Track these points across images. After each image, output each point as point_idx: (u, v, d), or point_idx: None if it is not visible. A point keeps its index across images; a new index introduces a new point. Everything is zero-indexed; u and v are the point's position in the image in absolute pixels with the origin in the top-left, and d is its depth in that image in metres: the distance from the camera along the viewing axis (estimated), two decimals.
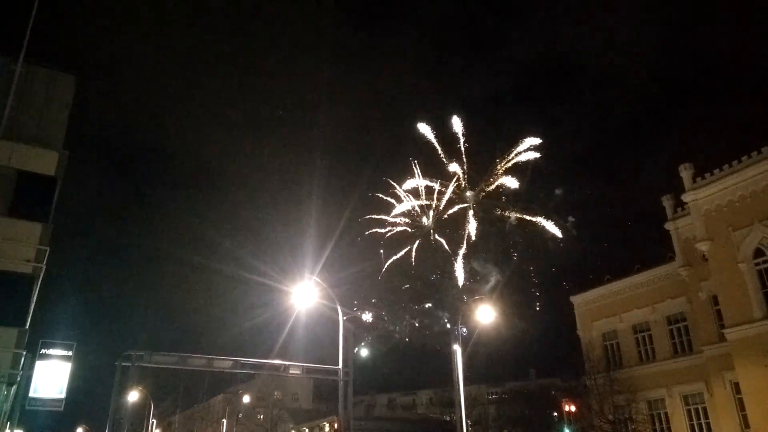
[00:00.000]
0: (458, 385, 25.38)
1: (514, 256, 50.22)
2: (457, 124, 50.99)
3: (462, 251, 49.36)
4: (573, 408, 47.06)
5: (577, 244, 48.67)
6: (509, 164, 49.60)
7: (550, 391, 67.93)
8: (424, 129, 51.22)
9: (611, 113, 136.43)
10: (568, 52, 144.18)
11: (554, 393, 65.10)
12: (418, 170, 51.12)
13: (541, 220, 48.56)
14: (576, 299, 40.45)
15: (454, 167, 50.93)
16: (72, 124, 24.13)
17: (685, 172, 31.07)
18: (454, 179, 50.50)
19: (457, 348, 25.61)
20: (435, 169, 51.84)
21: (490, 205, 50.41)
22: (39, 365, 22.09)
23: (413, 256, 51.17)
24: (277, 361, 27.93)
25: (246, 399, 73.46)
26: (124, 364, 21.98)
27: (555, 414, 60.05)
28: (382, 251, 51.69)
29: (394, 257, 51.17)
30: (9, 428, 22.73)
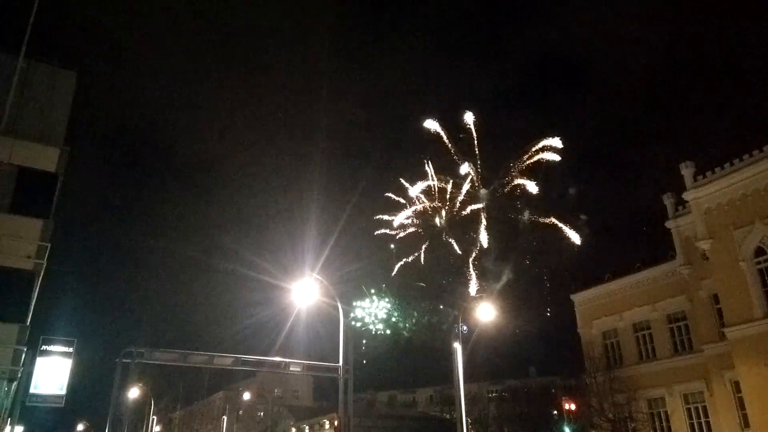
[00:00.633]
0: (458, 383, 25.34)
1: (527, 260, 49.86)
2: (469, 118, 50.27)
3: (473, 254, 49.16)
4: (573, 406, 47.01)
5: (579, 242, 48.38)
6: (525, 165, 49.19)
7: (550, 389, 67.90)
8: (432, 124, 50.73)
9: (613, 111, 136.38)
10: (569, 51, 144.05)
11: (554, 391, 65.08)
12: (431, 169, 50.71)
13: (555, 221, 48.24)
14: (576, 297, 40.45)
15: (458, 165, 50.70)
16: (73, 120, 24.16)
17: (687, 171, 31.05)
18: (467, 178, 50.10)
19: (457, 346, 25.57)
20: (438, 167, 51.66)
21: (503, 204, 50.09)
22: (39, 361, 22.11)
23: (422, 258, 50.97)
24: (277, 359, 27.97)
25: (246, 396, 73.46)
26: (124, 360, 21.96)
27: (555, 412, 60.00)
28: (392, 245, 51.30)
29: (405, 259, 50.96)
30: (9, 424, 22.77)
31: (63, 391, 22.50)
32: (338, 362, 24.38)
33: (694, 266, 32.12)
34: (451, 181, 49.95)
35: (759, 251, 27.69)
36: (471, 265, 47.87)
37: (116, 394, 24.22)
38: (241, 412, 76.63)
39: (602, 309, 38.33)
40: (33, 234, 21.64)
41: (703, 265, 31.09)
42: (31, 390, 21.82)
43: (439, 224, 50.06)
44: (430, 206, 50.41)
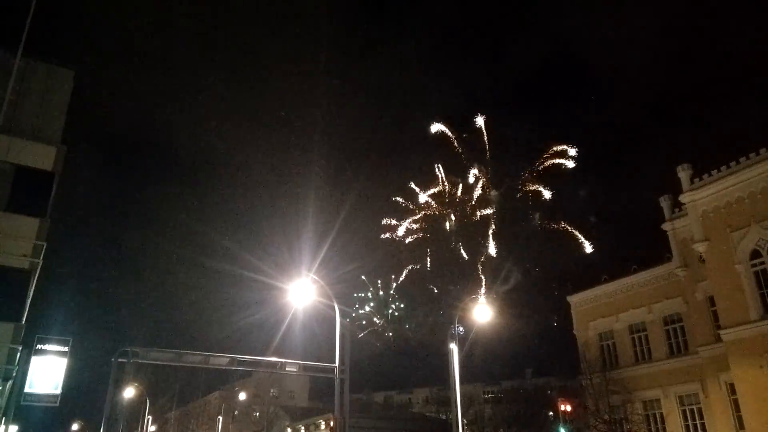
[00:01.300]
0: (454, 384, 25.35)
1: (527, 263, 49.92)
2: (480, 121, 50.22)
3: (482, 259, 49.21)
4: (569, 408, 47.11)
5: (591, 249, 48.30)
6: (539, 170, 49.26)
7: (546, 390, 68.13)
8: (437, 126, 50.71)
9: (609, 113, 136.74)
10: (567, 52, 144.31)
11: (550, 392, 65.30)
12: (442, 173, 50.73)
13: (568, 227, 48.35)
14: (573, 299, 40.50)
15: (465, 168, 50.67)
16: (70, 119, 24.09)
17: (683, 173, 31.13)
18: (472, 180, 50.10)
19: (453, 347, 25.58)
20: (430, 170, 51.67)
21: (514, 209, 50.13)
22: (35, 361, 22.01)
23: (428, 263, 50.97)
24: (273, 359, 27.90)
25: (242, 396, 73.37)
26: (120, 360, 21.87)
27: (551, 413, 60.17)
28: (401, 250, 51.31)
29: (411, 266, 50.97)
30: (4, 423, 22.71)
31: (58, 391, 22.41)
32: (334, 362, 24.39)
33: (690, 268, 32.21)
34: (461, 185, 50.02)
35: (755, 254, 27.78)
36: (480, 269, 47.98)
37: (111, 394, 24.17)
38: (236, 413, 76.48)
39: (598, 311, 38.39)
40: (29, 233, 21.58)
41: (699, 267, 31.19)
42: (26, 389, 21.72)
43: (449, 227, 50.05)
44: (438, 211, 50.39)
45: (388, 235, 50.21)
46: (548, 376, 70.28)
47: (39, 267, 22.21)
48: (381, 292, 51.14)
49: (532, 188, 48.86)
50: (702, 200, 30.07)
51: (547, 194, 47.97)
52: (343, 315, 25.45)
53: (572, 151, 47.59)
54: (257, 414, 74.21)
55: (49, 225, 22.35)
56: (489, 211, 49.14)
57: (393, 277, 51.95)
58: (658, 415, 33.58)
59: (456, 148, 49.90)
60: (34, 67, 23.50)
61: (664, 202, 34.10)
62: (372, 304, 50.68)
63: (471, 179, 49.77)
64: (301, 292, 23.90)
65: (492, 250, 47.84)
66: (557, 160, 48.05)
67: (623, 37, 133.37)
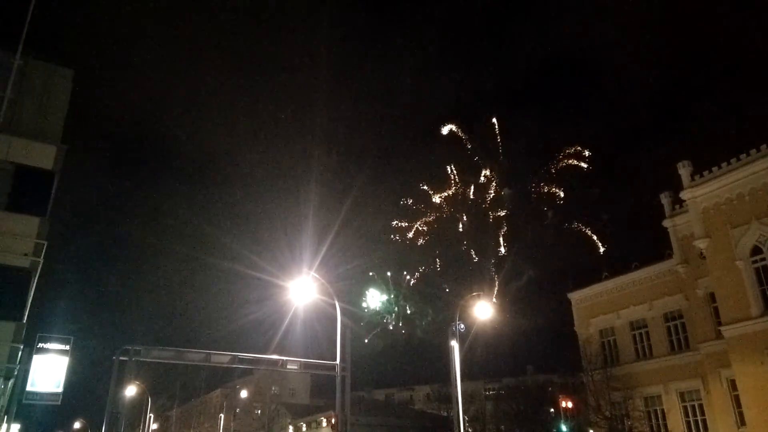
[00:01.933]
0: (455, 381, 25.40)
1: (530, 261, 50.02)
2: (492, 122, 50.41)
3: (493, 262, 49.33)
4: (570, 404, 47.24)
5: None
6: (553, 172, 49.40)
7: (547, 387, 68.24)
8: (446, 127, 50.79)
9: (610, 110, 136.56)
10: (567, 51, 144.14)
11: (551, 389, 65.42)
12: (455, 173, 50.79)
13: (582, 227, 48.48)
14: (573, 296, 40.50)
15: (473, 168, 50.71)
16: (70, 118, 24.06)
17: (684, 170, 31.09)
18: (474, 182, 50.20)
19: (454, 344, 25.61)
20: (435, 170, 51.78)
21: (528, 210, 50.30)
22: (36, 359, 22.02)
23: (438, 264, 51.07)
24: (274, 357, 27.91)
25: (244, 394, 73.57)
26: (121, 358, 21.93)
27: (552, 410, 60.27)
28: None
29: (422, 268, 51.08)
30: (6, 422, 22.74)
31: (60, 389, 22.43)
32: (335, 360, 24.43)
33: (690, 265, 32.20)
34: (472, 186, 50.10)
35: (755, 250, 27.76)
36: (492, 270, 48.07)
37: (113, 392, 24.16)
38: (238, 410, 76.63)
39: (599, 307, 38.40)
40: (30, 231, 21.57)
41: (700, 263, 31.17)
42: (28, 388, 21.73)
43: (461, 228, 50.11)
44: (447, 213, 50.41)
45: (398, 237, 50.45)
46: (549, 373, 70.34)
47: (40, 266, 22.21)
48: (391, 294, 51.18)
49: (546, 190, 49.12)
50: (702, 197, 30.04)
51: (561, 195, 48.17)
52: (345, 313, 25.48)
53: (586, 152, 47.86)
54: (258, 412, 74.43)
55: (49, 224, 22.35)
56: (502, 213, 49.35)
57: (405, 274, 52.05)
58: (659, 412, 33.61)
59: (467, 149, 50.07)
60: (33, 67, 23.44)
61: (665, 199, 34.08)
62: (381, 303, 50.70)
63: (482, 179, 49.99)
64: (302, 289, 23.95)
65: (503, 250, 48.01)
66: (572, 162, 48.32)
67: (623, 37, 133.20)
